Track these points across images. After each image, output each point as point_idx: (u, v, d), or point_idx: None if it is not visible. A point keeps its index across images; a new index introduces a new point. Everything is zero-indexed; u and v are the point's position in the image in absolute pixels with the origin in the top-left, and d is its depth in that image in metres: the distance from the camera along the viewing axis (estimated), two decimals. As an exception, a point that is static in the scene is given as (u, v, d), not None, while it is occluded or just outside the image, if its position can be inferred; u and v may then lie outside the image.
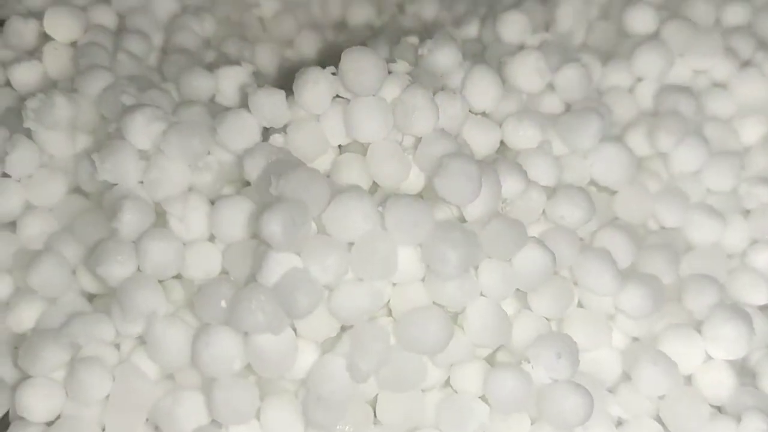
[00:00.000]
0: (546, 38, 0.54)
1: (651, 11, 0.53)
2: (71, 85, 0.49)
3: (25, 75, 0.51)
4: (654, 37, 0.52)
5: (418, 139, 0.44)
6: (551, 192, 0.46)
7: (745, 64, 0.53)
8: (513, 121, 0.47)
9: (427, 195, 0.44)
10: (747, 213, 0.50)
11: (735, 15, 0.55)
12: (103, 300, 0.45)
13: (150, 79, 0.51)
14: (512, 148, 0.47)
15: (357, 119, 0.43)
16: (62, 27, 0.51)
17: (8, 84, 0.51)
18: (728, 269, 0.49)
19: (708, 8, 0.54)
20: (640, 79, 0.52)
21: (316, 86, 0.44)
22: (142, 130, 0.43)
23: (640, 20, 0.53)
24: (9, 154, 0.46)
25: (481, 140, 0.46)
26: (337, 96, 0.44)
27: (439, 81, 0.47)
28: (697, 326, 0.46)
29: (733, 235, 0.49)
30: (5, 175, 0.47)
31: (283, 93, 0.44)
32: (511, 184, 0.44)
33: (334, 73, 0.44)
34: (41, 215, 0.47)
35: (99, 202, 0.46)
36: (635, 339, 0.46)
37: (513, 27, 0.53)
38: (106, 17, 0.54)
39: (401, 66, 0.46)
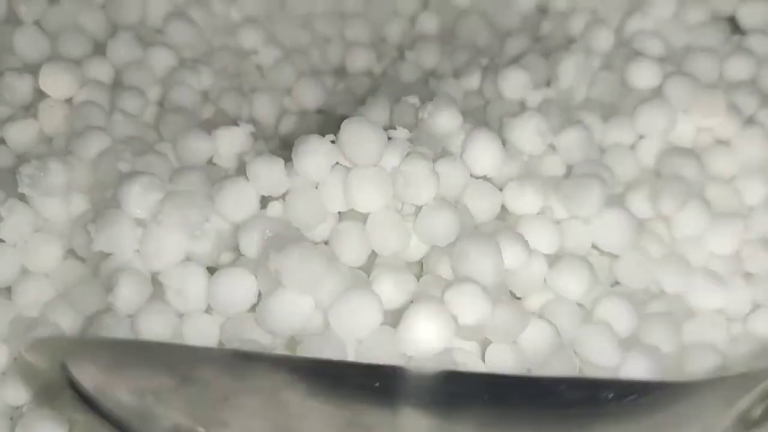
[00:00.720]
0: (548, 95, 0.53)
1: (654, 66, 0.52)
2: (66, 146, 0.48)
3: (20, 134, 0.50)
4: (657, 93, 0.52)
5: (419, 207, 0.44)
6: (553, 259, 0.45)
7: (749, 120, 0.52)
8: (514, 186, 0.46)
9: (427, 263, 0.44)
10: (749, 276, 0.50)
11: (738, 70, 0.54)
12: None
13: (146, 140, 0.50)
14: (513, 213, 0.47)
15: (356, 189, 0.43)
16: (58, 84, 0.51)
17: (3, 141, 0.51)
18: (730, 335, 0.48)
19: (711, 63, 0.54)
20: (642, 137, 0.51)
21: (315, 156, 0.43)
22: (139, 200, 0.43)
23: (643, 75, 0.52)
24: (4, 220, 0.46)
25: (482, 206, 0.46)
26: (337, 163, 0.44)
27: (439, 144, 0.47)
28: (698, 395, 0.46)
29: (735, 299, 0.49)
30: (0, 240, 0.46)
31: (281, 161, 0.44)
32: (512, 256, 0.43)
33: (333, 141, 0.44)
34: (37, 281, 0.46)
35: (95, 267, 0.45)
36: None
37: (514, 83, 0.53)
38: (102, 71, 0.53)
39: (401, 133, 0.46)
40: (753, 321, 0.49)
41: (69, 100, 0.51)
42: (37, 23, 0.55)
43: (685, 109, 0.51)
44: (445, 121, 0.47)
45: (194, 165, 0.47)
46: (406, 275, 0.43)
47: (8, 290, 0.46)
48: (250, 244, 0.42)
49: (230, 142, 0.48)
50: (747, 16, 0.57)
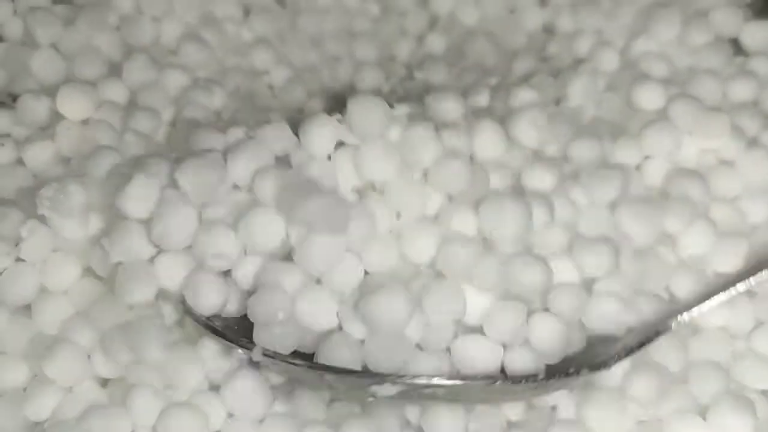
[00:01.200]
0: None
1: (658, 88, 0.54)
2: (80, 167, 0.49)
3: (38, 155, 0.51)
4: (662, 115, 0.53)
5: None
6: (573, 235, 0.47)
7: (752, 142, 0.53)
8: (529, 169, 0.49)
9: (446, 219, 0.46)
10: (752, 294, 0.51)
11: (741, 92, 0.55)
12: (118, 385, 0.45)
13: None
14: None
15: (368, 162, 0.45)
16: (75, 106, 0.52)
17: (21, 162, 0.52)
18: (733, 352, 0.49)
19: (714, 85, 0.55)
20: (648, 158, 0.52)
21: (321, 129, 0.46)
22: (138, 202, 0.44)
23: (648, 97, 0.53)
24: (24, 240, 0.47)
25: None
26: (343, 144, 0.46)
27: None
28: (703, 411, 0.47)
29: (738, 316, 0.50)
30: (19, 259, 0.47)
31: (286, 125, 0.46)
32: (537, 215, 0.45)
33: (339, 121, 0.46)
34: (55, 299, 0.47)
35: (112, 285, 0.46)
36: (641, 422, 0.47)
37: (525, 103, 0.54)
38: (117, 92, 0.54)
39: (400, 110, 0.48)
40: (756, 338, 0.50)
41: (86, 122, 0.52)
42: (53, 46, 0.56)
43: (690, 131, 0.52)
44: (449, 107, 0.49)
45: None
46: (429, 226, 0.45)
47: (28, 308, 0.47)
48: (267, 190, 0.44)
49: None
50: (750, 38, 0.58)
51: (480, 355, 0.44)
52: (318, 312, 0.43)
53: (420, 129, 0.46)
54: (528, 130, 0.50)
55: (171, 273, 0.44)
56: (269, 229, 0.44)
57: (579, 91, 0.55)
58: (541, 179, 0.48)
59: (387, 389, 0.42)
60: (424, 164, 0.46)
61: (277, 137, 0.46)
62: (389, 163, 0.45)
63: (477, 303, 0.44)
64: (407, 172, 0.46)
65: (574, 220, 0.48)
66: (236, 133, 0.48)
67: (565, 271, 0.46)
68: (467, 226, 0.45)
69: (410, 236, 0.45)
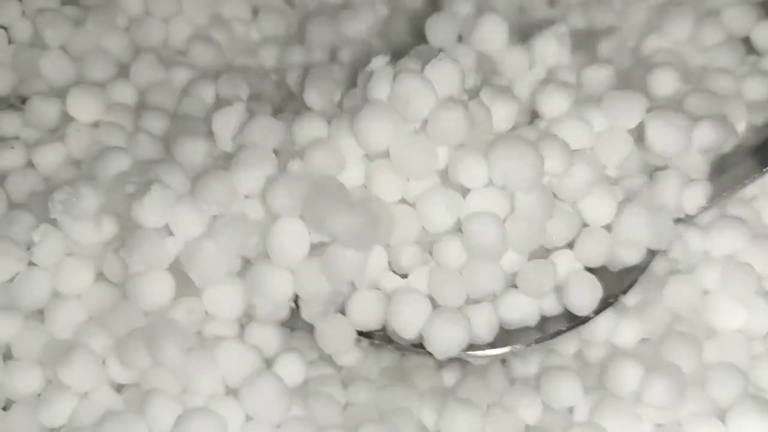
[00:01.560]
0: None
1: (674, 75, 0.53)
2: (91, 169, 0.48)
3: (48, 157, 0.51)
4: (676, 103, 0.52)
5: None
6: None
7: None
8: (543, 89, 0.48)
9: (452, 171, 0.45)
10: (768, 295, 0.51)
11: (755, 91, 0.55)
12: (134, 390, 0.45)
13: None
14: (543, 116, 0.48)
15: (366, 130, 0.44)
16: (85, 108, 0.51)
17: (31, 165, 0.51)
18: (751, 355, 0.49)
19: (728, 84, 0.55)
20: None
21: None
22: (155, 212, 0.43)
23: (663, 83, 0.53)
24: (37, 244, 0.46)
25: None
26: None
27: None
28: (722, 414, 0.47)
29: (755, 318, 0.50)
30: (31, 264, 0.47)
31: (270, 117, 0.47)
32: (554, 161, 0.45)
33: None
34: (69, 304, 0.47)
35: (126, 289, 0.46)
36: (660, 425, 0.47)
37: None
38: (126, 93, 0.54)
39: (379, 61, 0.47)
40: (774, 341, 0.50)
41: (96, 124, 0.52)
42: (62, 47, 0.56)
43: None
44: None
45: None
46: (452, 194, 0.45)
47: (41, 313, 0.47)
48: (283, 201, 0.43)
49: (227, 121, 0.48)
50: (762, 37, 0.58)
51: (523, 311, 0.46)
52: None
53: (406, 79, 0.44)
54: (551, 43, 0.50)
55: (223, 306, 0.45)
56: (297, 239, 0.44)
57: (609, 50, 0.54)
58: (556, 103, 0.48)
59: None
60: (422, 116, 0.44)
61: (265, 133, 0.46)
62: (388, 125, 0.44)
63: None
64: (404, 129, 0.45)
65: (592, 148, 0.47)
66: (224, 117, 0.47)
67: (587, 212, 0.47)
68: (478, 176, 0.44)
69: (426, 208, 0.45)
